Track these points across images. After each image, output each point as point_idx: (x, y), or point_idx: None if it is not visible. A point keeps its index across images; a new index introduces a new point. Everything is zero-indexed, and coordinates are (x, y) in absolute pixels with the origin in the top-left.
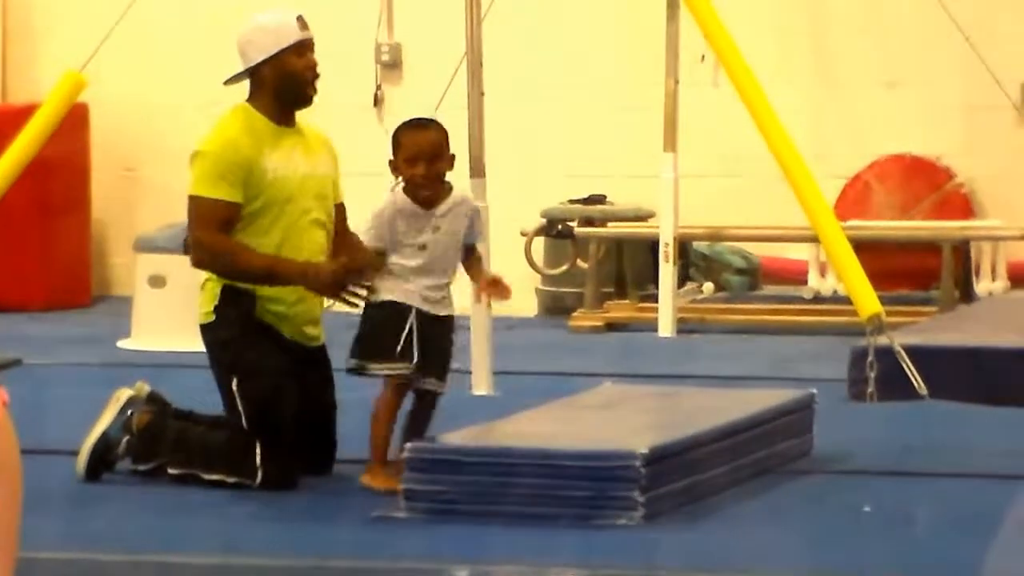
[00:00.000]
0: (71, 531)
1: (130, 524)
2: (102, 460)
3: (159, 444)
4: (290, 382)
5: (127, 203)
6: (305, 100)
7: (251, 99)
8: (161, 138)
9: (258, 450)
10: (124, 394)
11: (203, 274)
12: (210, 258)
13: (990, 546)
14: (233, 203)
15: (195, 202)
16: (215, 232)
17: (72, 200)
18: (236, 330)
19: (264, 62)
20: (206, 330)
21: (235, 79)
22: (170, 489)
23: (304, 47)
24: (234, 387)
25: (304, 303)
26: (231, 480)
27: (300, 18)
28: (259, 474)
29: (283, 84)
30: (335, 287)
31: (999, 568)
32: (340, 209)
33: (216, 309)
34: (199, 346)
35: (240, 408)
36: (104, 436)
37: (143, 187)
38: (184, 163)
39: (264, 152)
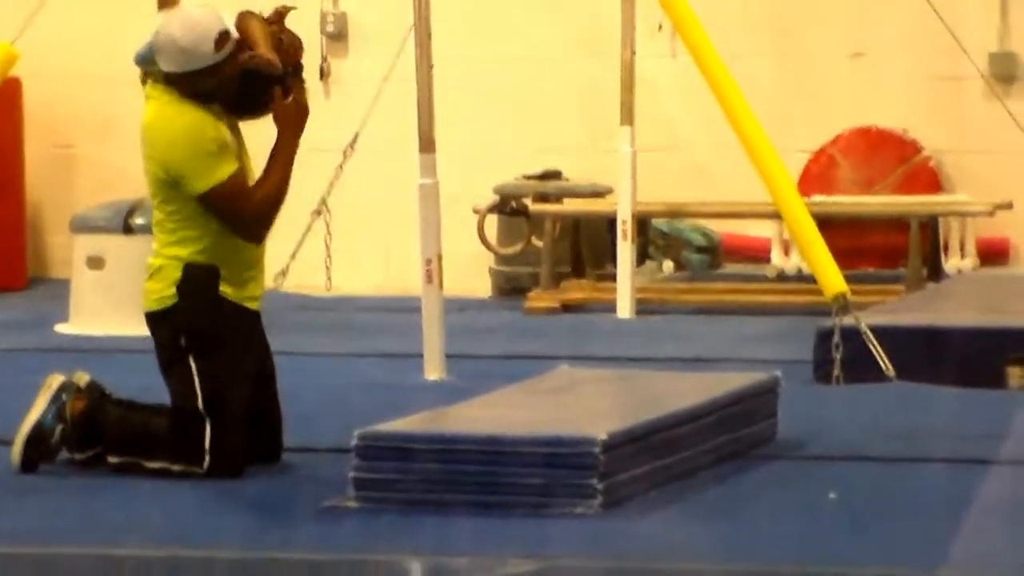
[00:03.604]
0: (6, 524)
1: (68, 516)
2: (38, 450)
3: (96, 431)
4: (252, 366)
5: (63, 181)
6: None
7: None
8: (98, 113)
9: (207, 434)
10: (55, 380)
11: (146, 255)
12: (266, 218)
13: (957, 531)
14: (240, 168)
15: (220, 189)
16: (252, 198)
17: (5, 178)
18: (201, 308)
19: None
20: (164, 314)
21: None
22: (110, 479)
23: None
24: (193, 365)
25: (260, 271)
26: (176, 468)
27: None
28: (207, 459)
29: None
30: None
31: (967, 553)
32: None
33: (179, 289)
34: (140, 330)
35: (197, 388)
36: (38, 425)
37: (79, 164)
38: (123, 138)
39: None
